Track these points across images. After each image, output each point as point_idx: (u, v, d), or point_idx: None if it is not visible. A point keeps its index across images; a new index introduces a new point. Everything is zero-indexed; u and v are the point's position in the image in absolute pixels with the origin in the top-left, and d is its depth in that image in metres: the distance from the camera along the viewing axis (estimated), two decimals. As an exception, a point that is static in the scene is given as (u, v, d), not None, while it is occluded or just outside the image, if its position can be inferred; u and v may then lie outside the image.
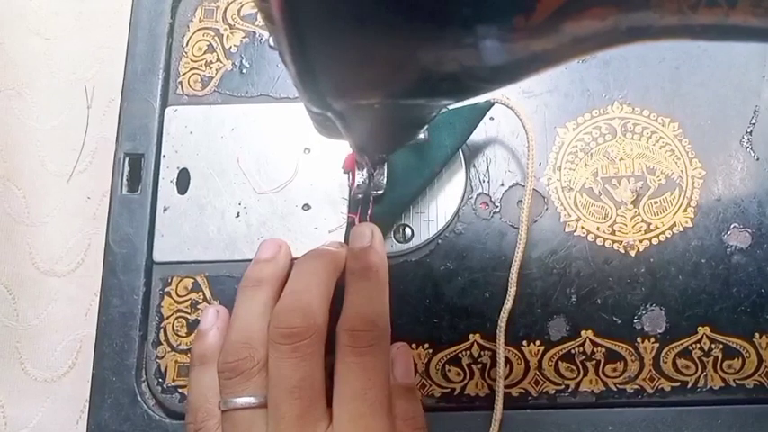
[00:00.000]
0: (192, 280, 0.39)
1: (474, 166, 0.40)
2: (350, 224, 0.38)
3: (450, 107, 0.38)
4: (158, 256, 0.39)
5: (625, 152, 0.40)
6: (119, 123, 0.42)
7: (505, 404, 0.36)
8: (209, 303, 0.38)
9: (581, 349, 0.37)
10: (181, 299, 0.39)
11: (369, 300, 0.33)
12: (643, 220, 0.39)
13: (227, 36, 0.43)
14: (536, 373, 0.37)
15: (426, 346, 0.37)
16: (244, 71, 0.42)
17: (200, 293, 0.39)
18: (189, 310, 0.38)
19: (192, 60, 0.43)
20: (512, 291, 0.37)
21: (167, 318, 0.38)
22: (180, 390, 0.37)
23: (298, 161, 0.40)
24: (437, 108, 0.29)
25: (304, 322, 0.31)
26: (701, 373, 0.37)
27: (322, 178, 0.40)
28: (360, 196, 0.38)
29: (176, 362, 0.38)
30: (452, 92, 0.22)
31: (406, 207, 0.39)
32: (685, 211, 0.39)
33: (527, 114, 0.38)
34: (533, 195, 0.39)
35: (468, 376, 0.37)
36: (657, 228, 0.39)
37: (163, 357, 0.38)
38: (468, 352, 0.37)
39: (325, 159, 0.40)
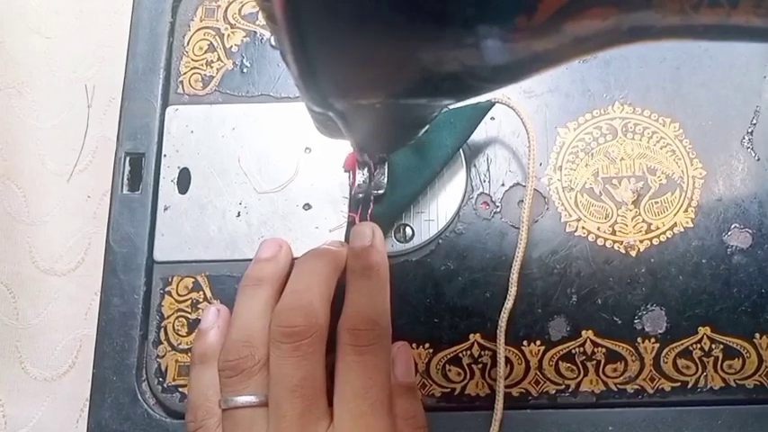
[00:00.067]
0: (193, 279, 0.39)
1: (475, 165, 0.40)
2: (350, 223, 0.38)
3: (452, 107, 0.38)
4: (159, 255, 0.39)
5: (626, 152, 0.40)
6: (119, 122, 0.42)
7: (506, 404, 0.36)
8: (210, 303, 0.38)
9: (581, 349, 0.37)
10: (181, 298, 0.39)
11: (370, 299, 0.33)
12: (644, 221, 0.39)
13: (228, 35, 0.43)
14: (536, 373, 0.37)
15: (427, 345, 0.37)
16: (245, 70, 0.42)
17: (201, 293, 0.39)
18: (189, 310, 0.38)
19: (192, 60, 0.43)
20: (512, 290, 0.37)
21: (168, 317, 0.38)
22: (180, 389, 0.37)
23: (298, 161, 0.40)
24: (438, 108, 0.29)
25: (305, 321, 0.31)
26: (702, 373, 0.37)
27: (323, 178, 0.40)
28: (360, 196, 0.38)
29: (177, 361, 0.38)
30: (454, 92, 0.22)
31: (407, 206, 0.39)
32: (686, 211, 0.39)
33: (528, 114, 0.38)
34: (534, 195, 0.39)
35: (468, 376, 0.37)
36: (658, 228, 0.39)
37: (163, 357, 0.38)
38: (469, 352, 0.37)
39: (326, 159, 0.40)
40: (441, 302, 0.38)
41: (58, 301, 0.44)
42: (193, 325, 0.38)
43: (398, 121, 0.29)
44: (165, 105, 0.42)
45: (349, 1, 0.17)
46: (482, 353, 0.37)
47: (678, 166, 0.39)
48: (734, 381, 0.37)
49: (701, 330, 0.37)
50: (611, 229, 0.39)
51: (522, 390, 0.37)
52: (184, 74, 0.42)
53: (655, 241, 0.38)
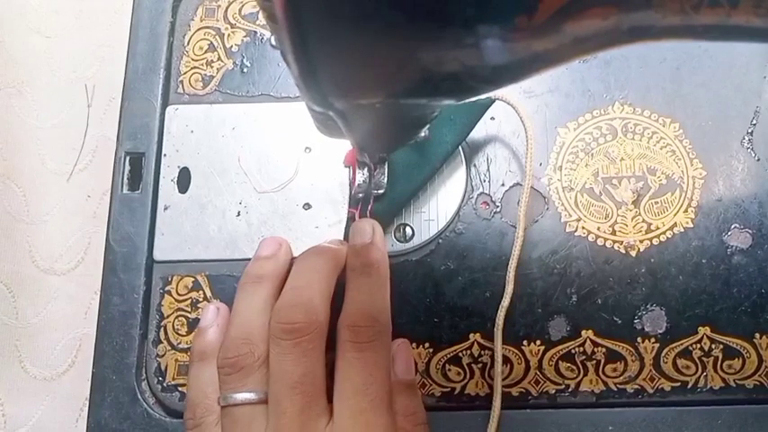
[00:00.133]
0: (193, 279, 0.39)
1: (475, 165, 0.40)
2: (350, 219, 0.38)
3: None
4: (159, 254, 0.39)
5: (626, 152, 0.40)
6: (119, 122, 0.42)
7: (505, 404, 0.36)
8: (210, 302, 0.38)
9: (581, 349, 0.37)
10: (181, 298, 0.39)
11: (370, 296, 0.33)
12: (644, 221, 0.39)
13: (229, 35, 0.43)
14: (536, 373, 0.37)
15: (427, 345, 0.37)
16: (245, 70, 0.42)
17: (201, 292, 0.39)
18: (189, 309, 0.38)
19: (192, 59, 0.43)
20: (509, 288, 0.37)
21: (167, 316, 0.38)
22: (180, 388, 0.37)
23: (298, 160, 0.40)
24: (438, 107, 0.29)
25: (306, 318, 0.31)
26: (702, 373, 0.37)
27: (323, 177, 0.40)
28: (360, 195, 0.38)
29: (176, 360, 0.38)
30: (454, 91, 0.22)
31: (407, 203, 0.39)
32: (686, 211, 0.39)
33: (527, 113, 0.38)
34: (534, 195, 0.39)
35: (468, 376, 0.37)
36: (658, 228, 0.39)
37: (163, 356, 0.38)
38: (469, 351, 0.37)
39: (326, 158, 0.40)
40: (441, 302, 0.38)
41: (58, 301, 0.44)
42: (193, 324, 0.38)
43: (398, 121, 0.29)
44: (165, 105, 0.42)
45: (349, 1, 0.17)
46: (482, 352, 0.37)
47: (678, 167, 0.39)
48: (734, 381, 0.37)
49: (701, 330, 0.37)
50: (611, 229, 0.39)
51: (522, 389, 0.37)
52: (184, 73, 0.42)
53: (655, 241, 0.38)
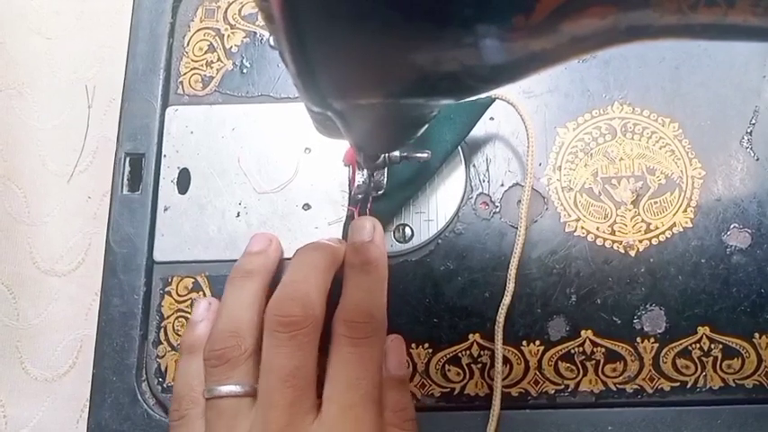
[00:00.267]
0: (193, 279, 0.39)
1: (474, 165, 0.40)
2: (349, 217, 0.38)
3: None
4: (159, 255, 0.39)
5: (625, 152, 0.40)
6: (119, 123, 0.42)
7: (505, 404, 0.36)
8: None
9: (581, 349, 0.37)
10: (181, 298, 0.39)
11: (368, 293, 0.33)
12: (643, 221, 0.39)
13: (228, 36, 0.43)
14: (536, 373, 0.37)
15: (426, 345, 0.37)
16: (244, 71, 0.42)
17: (201, 293, 0.39)
18: (189, 310, 0.39)
19: (192, 60, 0.43)
20: (510, 287, 0.37)
21: (168, 317, 0.38)
22: (180, 389, 0.37)
23: (298, 161, 0.40)
24: (437, 107, 0.29)
25: (303, 311, 0.31)
26: (701, 373, 0.37)
27: (322, 178, 0.40)
28: (360, 196, 0.38)
29: (176, 361, 0.38)
30: (452, 91, 0.22)
31: (406, 203, 0.39)
32: (685, 211, 0.39)
33: (527, 113, 0.38)
34: (534, 195, 0.39)
35: (467, 376, 0.37)
36: (657, 228, 0.39)
37: (163, 357, 0.38)
38: (468, 352, 0.37)
39: (326, 159, 0.40)
40: (440, 302, 0.38)
41: (59, 302, 0.44)
42: (193, 325, 0.38)
43: (397, 121, 0.29)
44: (164, 106, 0.42)
45: (347, 1, 0.17)
46: (481, 353, 0.37)
47: (677, 166, 0.40)
48: (733, 380, 0.37)
49: (701, 330, 0.37)
50: (610, 229, 0.39)
51: (522, 390, 0.37)
52: (184, 74, 0.42)
53: (654, 241, 0.38)
